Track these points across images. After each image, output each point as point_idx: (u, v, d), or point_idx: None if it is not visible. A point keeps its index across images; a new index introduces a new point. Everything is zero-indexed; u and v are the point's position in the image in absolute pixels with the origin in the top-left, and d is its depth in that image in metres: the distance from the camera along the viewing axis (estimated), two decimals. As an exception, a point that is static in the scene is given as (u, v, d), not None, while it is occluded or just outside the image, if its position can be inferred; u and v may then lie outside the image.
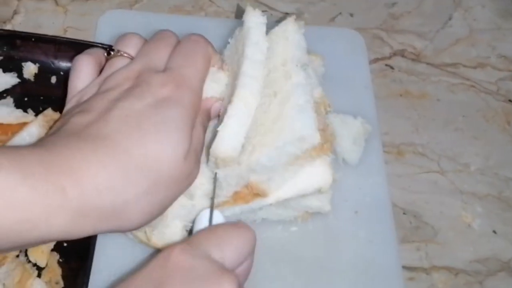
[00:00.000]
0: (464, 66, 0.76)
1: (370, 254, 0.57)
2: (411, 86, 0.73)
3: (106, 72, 0.50)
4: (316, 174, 0.52)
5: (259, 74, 0.50)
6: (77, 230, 0.40)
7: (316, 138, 0.48)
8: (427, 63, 0.75)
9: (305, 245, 0.57)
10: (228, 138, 0.47)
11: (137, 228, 0.45)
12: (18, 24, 0.70)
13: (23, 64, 0.62)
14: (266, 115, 0.49)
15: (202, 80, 0.49)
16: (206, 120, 0.50)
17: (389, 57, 0.75)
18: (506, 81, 0.75)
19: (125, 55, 0.50)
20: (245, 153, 0.48)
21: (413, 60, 0.75)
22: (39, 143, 0.43)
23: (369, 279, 0.56)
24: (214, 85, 0.51)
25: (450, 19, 0.80)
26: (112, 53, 0.51)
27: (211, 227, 0.48)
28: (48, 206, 0.38)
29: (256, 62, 0.50)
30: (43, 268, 0.53)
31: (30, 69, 0.62)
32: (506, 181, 0.66)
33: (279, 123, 0.49)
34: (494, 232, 0.63)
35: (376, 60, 0.74)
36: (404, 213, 0.63)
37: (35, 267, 0.53)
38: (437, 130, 0.69)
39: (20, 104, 0.61)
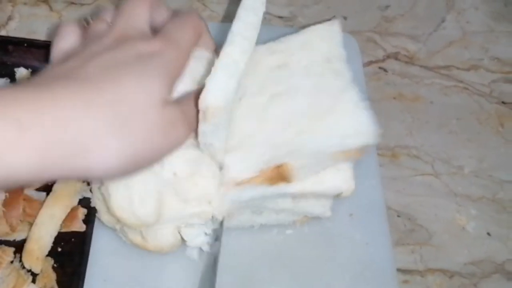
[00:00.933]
0: (457, 68, 0.76)
1: (365, 257, 0.57)
2: (405, 89, 0.73)
3: (89, 34, 0.48)
4: (340, 178, 0.53)
5: (250, 35, 0.48)
6: (41, 169, 0.37)
7: (373, 137, 0.49)
8: (421, 66, 0.75)
9: (301, 248, 0.57)
10: (216, 89, 0.45)
11: (108, 175, 0.42)
12: (13, 29, 0.70)
13: (15, 69, 0.62)
14: (314, 107, 0.50)
15: (190, 46, 0.48)
16: None
17: (383, 60, 0.75)
18: (499, 83, 0.75)
19: (106, 18, 0.49)
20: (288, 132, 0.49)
21: (406, 62, 0.75)
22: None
23: (364, 282, 0.56)
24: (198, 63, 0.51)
25: (443, 21, 0.80)
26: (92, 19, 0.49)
27: None
28: (2, 141, 0.35)
29: (248, 24, 0.49)
30: (38, 273, 0.53)
31: (22, 74, 0.62)
32: (500, 183, 0.67)
33: (332, 116, 0.50)
34: (489, 234, 0.63)
35: (369, 63, 0.74)
36: (398, 216, 0.63)
37: (29, 273, 0.53)
38: (431, 132, 0.70)
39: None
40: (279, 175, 0.50)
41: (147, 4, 0.48)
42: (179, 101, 0.45)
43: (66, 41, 0.48)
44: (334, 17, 0.77)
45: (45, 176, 0.38)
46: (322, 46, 0.55)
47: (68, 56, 0.45)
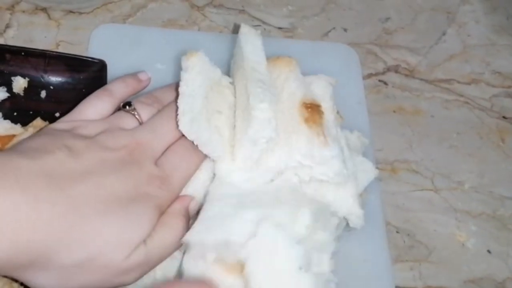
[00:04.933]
0: (458, 82, 0.75)
1: (363, 273, 0.56)
2: (405, 102, 0.72)
3: (113, 122, 0.50)
4: (347, 202, 0.53)
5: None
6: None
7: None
8: (421, 79, 0.75)
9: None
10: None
11: None
12: (11, 38, 0.69)
13: (12, 78, 0.61)
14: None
15: (185, 183, 0.51)
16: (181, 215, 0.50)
17: (383, 73, 0.75)
18: (500, 97, 0.75)
19: (137, 116, 0.52)
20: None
21: (406, 75, 0.75)
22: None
23: (362, 299, 0.55)
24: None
25: (443, 34, 0.80)
26: (128, 107, 0.52)
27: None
28: None
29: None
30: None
31: (19, 84, 0.61)
32: (501, 199, 0.66)
33: None
34: (489, 251, 0.62)
35: (369, 75, 0.74)
36: (397, 232, 0.62)
37: (22, 286, 0.52)
38: (431, 147, 0.69)
39: (9, 119, 0.60)
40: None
41: (174, 125, 0.51)
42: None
43: (94, 112, 0.52)
44: (334, 28, 0.77)
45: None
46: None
47: (84, 129, 0.48)
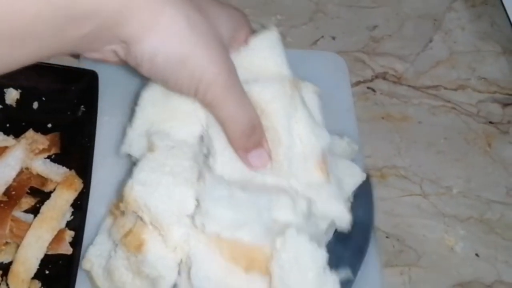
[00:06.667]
0: (445, 88, 0.76)
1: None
2: (393, 109, 0.73)
3: None
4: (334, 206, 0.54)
5: None
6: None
7: None
8: (408, 86, 0.76)
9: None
10: None
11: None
12: (1, 48, 0.69)
13: (5, 90, 0.62)
14: None
15: None
16: None
17: (371, 80, 0.76)
18: (487, 103, 0.76)
19: None
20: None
21: (394, 82, 0.76)
22: None
23: (353, 304, 0.56)
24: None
25: (430, 41, 0.81)
26: None
27: None
28: None
29: None
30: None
31: (12, 95, 0.62)
32: (488, 203, 0.67)
33: None
34: (477, 255, 0.63)
35: (358, 83, 0.75)
36: (387, 237, 0.63)
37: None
38: (419, 152, 0.70)
39: (1, 131, 0.60)
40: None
41: None
42: None
43: None
44: (322, 37, 0.78)
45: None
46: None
47: None
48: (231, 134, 0.50)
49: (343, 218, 0.54)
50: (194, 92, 0.47)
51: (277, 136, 0.53)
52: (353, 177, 0.60)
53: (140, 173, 0.50)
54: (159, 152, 0.52)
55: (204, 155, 0.54)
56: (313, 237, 0.50)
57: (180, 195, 0.50)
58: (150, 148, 0.53)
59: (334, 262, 0.53)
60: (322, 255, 0.48)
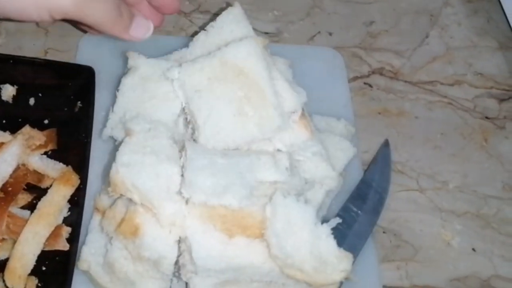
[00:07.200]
0: (441, 83, 0.77)
1: (351, 274, 0.57)
2: (390, 104, 0.73)
3: None
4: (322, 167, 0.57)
5: None
6: None
7: None
8: (405, 81, 0.76)
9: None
10: None
11: None
12: (-1, 46, 0.69)
13: (1, 86, 0.62)
14: None
15: None
16: None
17: (368, 75, 0.76)
18: (483, 98, 0.76)
19: None
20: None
21: (391, 78, 0.76)
22: None
23: (350, 299, 0.56)
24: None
25: (427, 37, 0.81)
26: None
27: None
28: None
29: None
30: (21, 292, 0.53)
31: (8, 91, 0.62)
32: (484, 198, 0.67)
33: None
34: (474, 250, 0.63)
35: (355, 78, 0.75)
36: (384, 232, 0.63)
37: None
38: (416, 148, 0.70)
39: (-2, 126, 0.60)
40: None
41: None
42: None
43: None
44: (319, 33, 0.78)
45: None
46: None
47: None
48: (106, 27, 0.52)
49: (329, 176, 0.57)
50: (48, 16, 0.49)
51: (262, 93, 0.55)
52: (345, 151, 0.62)
53: (122, 156, 0.52)
54: (137, 135, 0.53)
55: (186, 130, 0.57)
56: (299, 192, 0.53)
57: (166, 171, 0.52)
58: (128, 133, 0.54)
59: (349, 221, 0.59)
60: (310, 212, 0.51)
